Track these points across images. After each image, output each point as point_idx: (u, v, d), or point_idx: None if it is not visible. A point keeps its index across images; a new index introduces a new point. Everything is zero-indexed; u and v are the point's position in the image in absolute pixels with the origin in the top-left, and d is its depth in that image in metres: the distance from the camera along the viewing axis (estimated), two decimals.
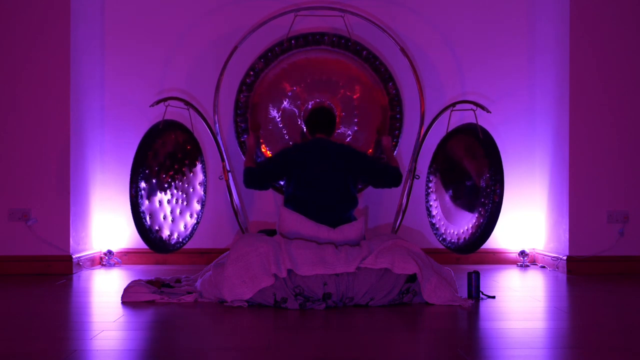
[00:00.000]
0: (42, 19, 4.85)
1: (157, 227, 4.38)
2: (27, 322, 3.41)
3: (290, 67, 5.08)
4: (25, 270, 4.82)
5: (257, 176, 4.50)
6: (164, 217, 4.45)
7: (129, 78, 5.37)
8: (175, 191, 4.55)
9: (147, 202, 4.32)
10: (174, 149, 4.57)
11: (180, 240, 4.56)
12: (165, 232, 4.44)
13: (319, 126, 4.56)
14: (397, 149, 5.13)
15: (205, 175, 4.80)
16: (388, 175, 4.52)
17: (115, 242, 5.34)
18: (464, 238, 4.49)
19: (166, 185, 4.48)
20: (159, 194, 4.42)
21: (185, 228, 4.60)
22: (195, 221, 4.69)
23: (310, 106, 4.99)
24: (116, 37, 5.38)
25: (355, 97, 5.10)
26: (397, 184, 4.55)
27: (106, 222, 5.34)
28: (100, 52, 5.34)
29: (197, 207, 4.71)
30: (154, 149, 4.40)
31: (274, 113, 5.06)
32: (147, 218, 4.30)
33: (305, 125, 4.68)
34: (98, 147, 5.32)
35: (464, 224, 4.52)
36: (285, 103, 5.06)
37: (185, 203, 4.62)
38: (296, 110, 5.05)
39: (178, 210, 4.57)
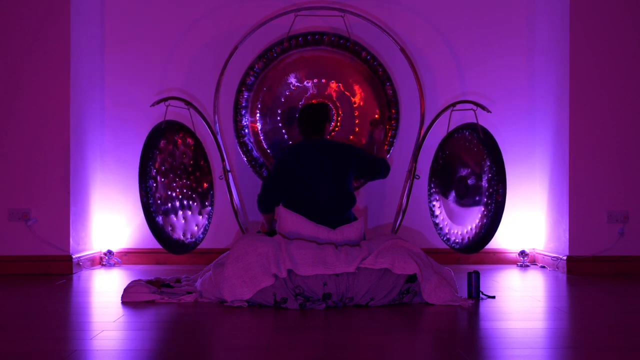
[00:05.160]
0: (42, 19, 4.84)
1: (170, 228, 4.39)
2: (27, 322, 3.41)
3: (287, 67, 5.08)
4: (25, 270, 4.82)
5: (268, 199, 4.46)
6: (177, 218, 4.46)
7: (129, 78, 5.37)
8: (185, 191, 4.56)
9: (158, 202, 4.33)
10: (178, 149, 4.58)
11: (194, 240, 4.57)
12: (179, 232, 4.45)
13: (311, 127, 4.52)
14: (392, 148, 5.13)
15: (210, 175, 4.80)
16: (380, 166, 4.55)
17: (115, 242, 5.34)
18: (468, 238, 4.49)
19: (174, 185, 4.49)
20: (168, 194, 4.43)
21: (197, 228, 4.61)
22: (206, 221, 4.69)
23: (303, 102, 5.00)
24: (116, 37, 5.38)
25: (353, 99, 5.10)
26: (386, 175, 4.62)
27: (106, 222, 5.34)
28: (100, 52, 5.35)
29: (206, 206, 4.71)
30: (159, 149, 4.41)
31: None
32: (160, 219, 4.31)
33: (298, 125, 4.63)
34: (98, 147, 5.32)
35: (468, 223, 4.52)
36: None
37: (195, 203, 4.63)
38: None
39: (189, 211, 4.58)
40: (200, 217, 4.66)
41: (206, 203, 4.72)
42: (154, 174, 4.33)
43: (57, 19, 4.85)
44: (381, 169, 4.56)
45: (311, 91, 5.09)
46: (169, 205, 4.42)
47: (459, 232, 4.59)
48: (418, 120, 5.15)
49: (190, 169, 4.64)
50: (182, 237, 4.46)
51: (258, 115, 5.08)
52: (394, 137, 5.13)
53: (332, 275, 3.76)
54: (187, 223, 4.55)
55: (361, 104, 5.12)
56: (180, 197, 4.53)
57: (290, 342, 3.06)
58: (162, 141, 4.47)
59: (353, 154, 4.45)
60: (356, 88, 5.11)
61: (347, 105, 5.10)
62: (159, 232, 4.29)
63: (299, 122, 4.56)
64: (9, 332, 3.19)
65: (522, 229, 5.43)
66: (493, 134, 4.62)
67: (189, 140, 4.71)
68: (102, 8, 5.35)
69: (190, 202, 4.61)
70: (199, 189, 4.69)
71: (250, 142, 5.08)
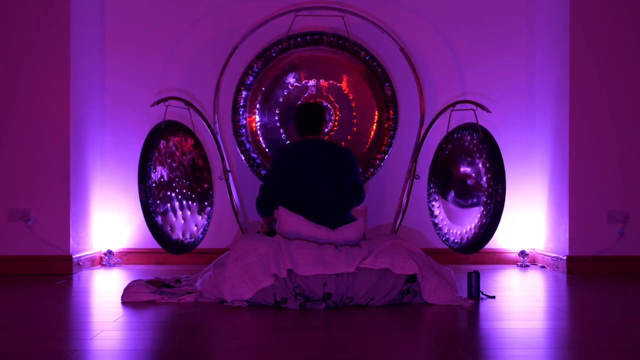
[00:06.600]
0: (42, 19, 4.84)
1: (169, 228, 4.38)
2: (27, 322, 3.41)
3: (285, 66, 5.09)
4: (25, 270, 4.82)
5: (267, 201, 4.42)
6: (176, 218, 4.46)
7: (129, 78, 5.37)
8: (184, 191, 4.56)
9: (158, 202, 4.33)
10: (177, 149, 4.58)
11: (193, 240, 4.57)
12: (178, 233, 4.45)
13: (308, 127, 4.49)
14: (391, 149, 5.14)
15: (210, 175, 4.80)
16: (362, 191, 4.51)
17: (115, 242, 5.35)
18: (467, 238, 4.49)
19: (174, 185, 4.49)
20: (167, 194, 4.43)
21: (197, 228, 4.61)
22: (206, 221, 4.70)
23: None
24: (116, 37, 5.38)
25: (351, 97, 5.11)
26: (359, 203, 4.54)
27: (106, 222, 5.34)
28: (100, 52, 5.35)
29: (206, 206, 4.71)
30: (158, 149, 4.41)
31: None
32: (160, 219, 4.31)
33: (294, 124, 4.60)
34: (98, 147, 5.32)
35: (467, 223, 4.52)
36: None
37: (194, 203, 4.63)
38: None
39: (189, 211, 4.58)
40: (200, 217, 4.66)
41: (205, 203, 4.72)
42: (153, 174, 4.33)
43: (57, 19, 4.85)
44: (360, 193, 4.49)
45: (310, 91, 5.10)
46: (168, 205, 4.43)
47: (458, 232, 4.59)
48: (418, 120, 5.15)
49: (189, 169, 4.65)
50: (181, 237, 4.47)
51: (256, 114, 5.09)
52: (392, 137, 5.13)
53: (332, 275, 3.76)
54: (186, 223, 4.55)
55: (360, 104, 5.12)
56: (179, 197, 4.53)
57: (290, 342, 3.06)
58: (162, 141, 4.47)
59: (352, 157, 4.44)
60: (355, 88, 5.11)
61: (345, 106, 5.10)
62: (159, 233, 4.29)
63: (296, 121, 4.54)
64: (9, 332, 3.19)
65: (522, 229, 5.43)
66: (493, 134, 4.62)
67: (189, 141, 4.71)
68: (102, 8, 5.35)
69: (190, 202, 4.61)
70: (199, 189, 4.69)
71: (247, 141, 5.08)
